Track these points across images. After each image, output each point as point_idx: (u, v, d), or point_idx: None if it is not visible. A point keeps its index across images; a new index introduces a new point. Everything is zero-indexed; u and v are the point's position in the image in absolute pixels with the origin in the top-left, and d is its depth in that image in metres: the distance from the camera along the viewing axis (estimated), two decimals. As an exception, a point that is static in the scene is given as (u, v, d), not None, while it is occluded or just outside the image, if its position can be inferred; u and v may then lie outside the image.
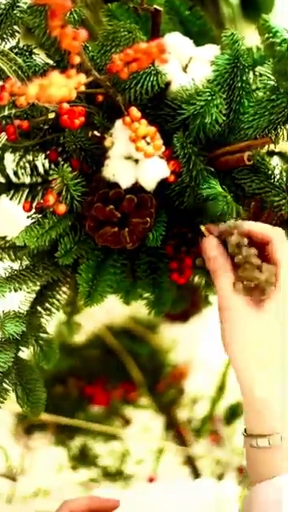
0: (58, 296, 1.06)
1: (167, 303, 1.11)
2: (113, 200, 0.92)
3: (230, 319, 0.92)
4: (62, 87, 0.73)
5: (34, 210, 0.99)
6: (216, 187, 0.93)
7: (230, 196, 0.91)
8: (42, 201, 0.95)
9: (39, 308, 1.04)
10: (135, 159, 0.92)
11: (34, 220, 0.95)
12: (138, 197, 0.93)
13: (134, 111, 0.88)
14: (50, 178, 0.92)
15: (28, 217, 0.98)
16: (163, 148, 0.90)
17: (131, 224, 0.93)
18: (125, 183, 0.92)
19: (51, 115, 0.91)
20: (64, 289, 1.07)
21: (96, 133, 0.92)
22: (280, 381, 0.92)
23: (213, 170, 0.96)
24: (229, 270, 0.92)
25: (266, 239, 0.92)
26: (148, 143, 0.88)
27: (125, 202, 0.92)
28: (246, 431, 0.97)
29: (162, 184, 0.95)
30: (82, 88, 0.79)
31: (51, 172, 0.93)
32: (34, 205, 0.99)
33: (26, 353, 1.04)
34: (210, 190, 0.93)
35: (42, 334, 1.05)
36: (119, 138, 0.91)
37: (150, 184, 0.93)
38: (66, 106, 0.87)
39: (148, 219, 0.93)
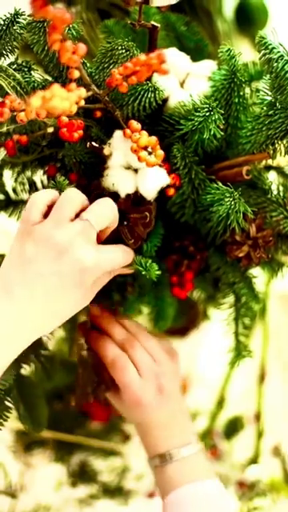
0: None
1: (169, 318, 1.12)
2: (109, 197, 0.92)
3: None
4: (64, 100, 0.74)
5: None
6: (220, 188, 0.93)
7: (236, 192, 0.92)
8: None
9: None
10: (134, 168, 0.92)
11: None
12: (134, 194, 0.93)
13: (134, 123, 0.89)
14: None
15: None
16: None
17: (130, 220, 0.93)
18: (125, 192, 0.92)
19: (50, 129, 0.91)
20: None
21: (94, 143, 0.92)
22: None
23: (214, 177, 0.97)
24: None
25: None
26: (150, 153, 0.89)
27: (121, 199, 0.92)
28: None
29: (161, 198, 0.95)
30: (82, 103, 0.79)
31: (49, 185, 0.93)
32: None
33: (27, 370, 1.04)
34: (211, 195, 0.93)
35: (42, 351, 1.05)
36: (118, 147, 0.92)
37: (150, 193, 0.93)
38: (65, 119, 0.88)
39: (147, 214, 0.93)
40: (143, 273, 0.93)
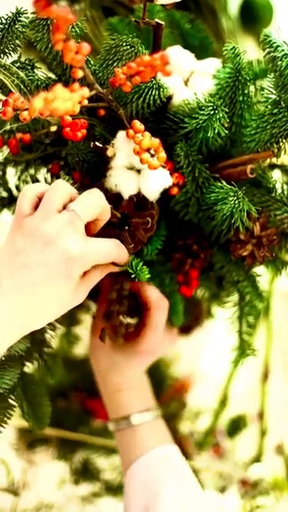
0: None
1: (180, 313, 1.11)
2: (112, 202, 0.92)
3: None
4: (66, 101, 0.74)
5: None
6: (224, 187, 0.93)
7: (241, 191, 0.91)
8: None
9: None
10: (137, 169, 0.92)
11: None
12: (137, 197, 0.92)
13: (137, 124, 0.89)
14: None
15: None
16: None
17: (131, 225, 0.93)
18: (127, 193, 0.92)
19: (53, 128, 0.91)
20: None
21: (98, 143, 0.92)
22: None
23: (218, 176, 0.96)
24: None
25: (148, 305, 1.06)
26: (152, 155, 0.88)
27: (124, 203, 0.92)
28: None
29: (165, 197, 0.95)
30: (85, 102, 0.79)
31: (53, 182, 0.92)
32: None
33: (30, 368, 1.04)
34: (216, 193, 0.93)
35: (45, 349, 1.05)
36: (121, 148, 0.91)
37: (152, 194, 0.93)
38: (68, 118, 0.87)
39: (149, 219, 0.93)
40: (132, 276, 0.94)
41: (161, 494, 1.00)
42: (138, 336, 1.08)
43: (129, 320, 1.06)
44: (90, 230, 0.91)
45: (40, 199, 0.88)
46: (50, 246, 0.83)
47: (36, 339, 1.03)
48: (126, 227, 0.93)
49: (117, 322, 1.06)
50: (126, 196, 0.92)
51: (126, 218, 0.92)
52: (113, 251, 0.91)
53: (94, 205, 0.88)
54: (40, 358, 1.04)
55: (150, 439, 1.08)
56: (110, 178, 0.93)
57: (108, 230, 0.92)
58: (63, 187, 0.88)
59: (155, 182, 0.92)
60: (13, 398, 0.99)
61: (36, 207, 0.88)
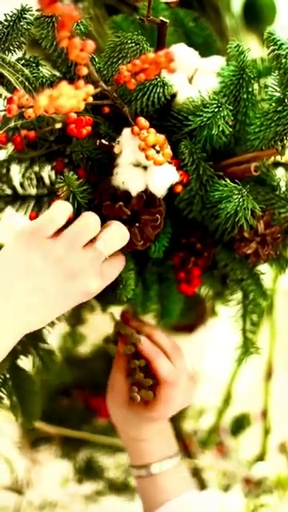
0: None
1: (175, 314, 1.11)
2: (121, 199, 0.92)
3: None
4: (71, 98, 0.74)
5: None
6: (228, 185, 0.93)
7: (245, 189, 0.91)
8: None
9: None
10: (144, 166, 0.92)
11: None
12: (146, 194, 0.92)
13: (142, 120, 0.88)
14: (57, 187, 0.91)
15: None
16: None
17: (141, 221, 0.93)
18: (135, 190, 0.92)
19: (58, 125, 0.91)
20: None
21: (103, 141, 0.92)
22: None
23: (222, 174, 0.96)
24: None
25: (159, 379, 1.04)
26: (158, 151, 0.88)
27: (134, 200, 0.92)
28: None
29: (169, 195, 0.95)
30: (90, 99, 0.79)
31: (58, 180, 0.92)
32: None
33: (26, 363, 1.04)
34: (220, 191, 0.93)
35: (41, 344, 1.05)
36: (127, 145, 0.91)
37: (160, 190, 0.92)
38: (73, 115, 0.87)
39: (158, 216, 0.93)
40: (118, 292, 0.97)
41: None
42: (149, 403, 1.06)
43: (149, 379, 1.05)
44: None
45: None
46: (73, 279, 0.87)
47: (32, 334, 1.03)
48: (136, 224, 0.92)
49: (139, 378, 1.05)
50: (133, 193, 0.92)
51: (135, 214, 0.92)
52: (120, 269, 0.95)
53: (117, 243, 0.91)
54: (36, 353, 1.04)
55: (173, 487, 1.07)
56: (116, 176, 0.92)
57: None
58: (93, 223, 0.89)
59: (162, 178, 0.92)
60: (3, 391, 1.00)
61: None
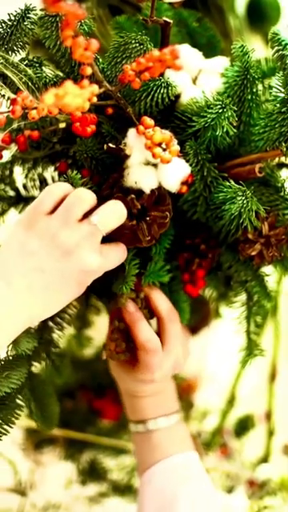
0: (68, 310, 1.05)
1: (185, 312, 1.11)
2: (133, 192, 0.92)
3: None
4: (76, 97, 0.73)
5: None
6: (232, 187, 0.92)
7: (249, 191, 0.91)
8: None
9: (50, 323, 1.04)
10: (154, 164, 0.91)
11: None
12: (158, 191, 0.92)
13: (147, 119, 0.88)
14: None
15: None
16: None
17: (150, 217, 0.92)
18: (148, 188, 0.91)
19: (62, 125, 0.91)
20: (74, 303, 1.06)
21: (111, 145, 0.92)
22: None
23: (226, 175, 0.96)
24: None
25: (158, 315, 1.03)
26: (164, 149, 0.88)
27: (145, 195, 0.91)
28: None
29: (173, 196, 0.95)
30: (94, 99, 0.79)
31: (60, 179, 0.92)
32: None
33: (38, 367, 1.04)
34: (224, 193, 0.93)
35: (53, 349, 1.05)
36: (134, 145, 0.91)
37: (173, 185, 0.92)
38: (78, 113, 0.87)
39: (167, 214, 0.93)
40: (119, 284, 0.97)
41: (177, 502, 0.99)
42: (136, 366, 1.06)
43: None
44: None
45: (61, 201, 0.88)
46: (68, 256, 0.85)
47: (43, 339, 1.03)
48: (147, 218, 0.92)
49: (116, 339, 1.05)
50: (147, 191, 0.91)
51: (144, 210, 0.92)
52: (120, 258, 0.93)
53: (114, 218, 0.90)
54: (48, 357, 1.04)
55: (168, 445, 1.06)
56: (128, 177, 0.92)
57: (126, 222, 0.92)
58: (86, 195, 0.88)
59: (174, 173, 0.91)
60: (20, 398, 0.99)
61: (55, 209, 0.88)
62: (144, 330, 1.01)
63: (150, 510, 1.01)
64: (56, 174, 1.05)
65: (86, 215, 0.88)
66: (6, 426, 0.97)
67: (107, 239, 0.91)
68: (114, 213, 0.90)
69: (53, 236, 0.85)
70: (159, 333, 1.04)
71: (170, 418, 1.08)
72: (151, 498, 1.02)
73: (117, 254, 0.92)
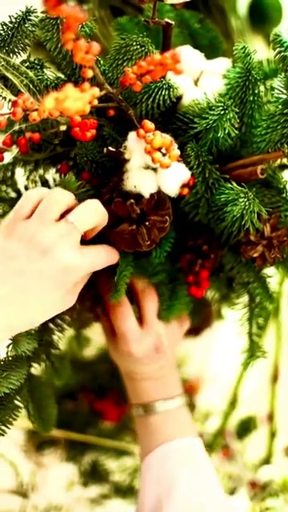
0: (68, 312, 1.05)
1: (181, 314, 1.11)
2: (133, 197, 0.92)
3: None
4: (77, 100, 0.73)
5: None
6: (234, 188, 0.92)
7: (251, 192, 0.91)
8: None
9: (51, 325, 1.04)
10: (153, 168, 0.91)
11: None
12: (157, 195, 0.92)
13: (148, 123, 0.88)
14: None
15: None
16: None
17: (150, 222, 0.92)
18: (147, 192, 0.91)
19: (63, 128, 0.90)
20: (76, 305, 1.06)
21: (111, 148, 0.91)
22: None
23: (228, 177, 0.96)
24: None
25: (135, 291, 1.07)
26: (164, 154, 0.88)
27: (145, 200, 0.91)
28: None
29: (174, 198, 0.94)
30: (95, 102, 0.79)
31: (56, 183, 0.92)
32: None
33: (37, 369, 1.04)
34: (226, 195, 0.92)
35: (53, 350, 1.05)
36: (134, 149, 0.91)
37: (172, 190, 0.92)
38: (77, 118, 0.87)
39: (167, 218, 0.92)
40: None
41: (175, 487, 0.99)
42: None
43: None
44: (87, 235, 0.92)
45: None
46: (46, 256, 0.84)
47: (43, 340, 1.03)
48: (146, 224, 0.92)
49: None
50: (146, 195, 0.91)
51: (144, 215, 0.92)
52: (106, 259, 0.93)
53: (92, 217, 0.89)
54: (47, 359, 1.04)
55: (168, 429, 1.07)
56: (127, 181, 0.92)
57: (125, 226, 0.92)
58: (61, 195, 0.88)
59: (173, 177, 0.91)
60: (19, 399, 0.99)
61: (32, 213, 0.88)
62: (124, 318, 1.05)
63: (150, 494, 1.02)
64: (57, 176, 1.05)
65: (64, 215, 0.88)
66: (3, 427, 0.97)
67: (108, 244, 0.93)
68: (92, 211, 0.89)
69: (30, 237, 0.84)
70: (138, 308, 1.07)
71: (169, 402, 1.09)
72: (150, 483, 1.03)
73: (98, 254, 0.91)
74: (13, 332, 0.86)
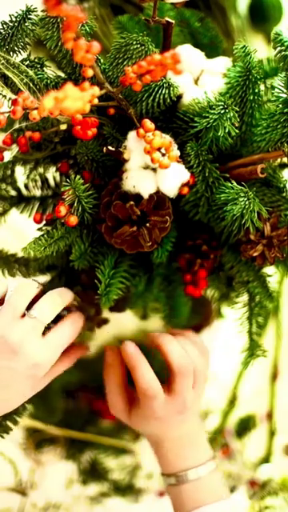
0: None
1: (183, 316, 1.11)
2: (132, 199, 0.92)
3: None
4: (76, 100, 0.73)
5: (44, 222, 0.99)
6: (234, 187, 0.92)
7: (251, 192, 0.91)
8: (53, 212, 0.95)
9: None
10: (153, 168, 0.91)
11: (43, 232, 0.94)
12: (157, 196, 0.92)
13: (148, 123, 0.88)
14: (62, 190, 0.91)
15: (38, 229, 0.99)
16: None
17: (150, 223, 0.92)
18: (146, 193, 0.91)
19: (63, 126, 0.90)
20: (74, 303, 1.06)
21: (110, 147, 0.91)
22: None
23: (228, 176, 0.96)
24: None
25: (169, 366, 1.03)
26: (163, 154, 0.88)
27: (144, 201, 0.91)
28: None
29: (174, 198, 0.94)
30: (95, 101, 0.79)
31: (63, 184, 0.92)
32: (45, 216, 0.99)
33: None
34: (226, 194, 0.92)
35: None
36: (134, 148, 0.91)
37: (171, 190, 0.92)
38: (79, 116, 0.87)
39: (167, 218, 0.92)
40: (102, 300, 0.98)
41: None
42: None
43: None
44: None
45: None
46: (16, 354, 0.88)
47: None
48: (147, 225, 0.92)
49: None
50: (145, 196, 0.91)
51: (144, 215, 0.92)
52: (72, 333, 0.97)
53: (53, 309, 0.94)
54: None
55: (202, 495, 1.04)
56: (126, 180, 0.92)
57: (126, 228, 0.92)
58: (25, 291, 0.93)
59: (173, 178, 0.91)
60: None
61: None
62: (145, 376, 1.02)
63: None
64: (58, 175, 1.05)
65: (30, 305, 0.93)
66: (9, 423, 1.01)
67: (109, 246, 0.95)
68: (51, 303, 0.94)
69: (1, 336, 0.88)
70: (169, 379, 1.05)
71: (201, 468, 1.06)
72: None
73: (62, 334, 0.95)
74: None
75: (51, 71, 0.95)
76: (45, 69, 0.94)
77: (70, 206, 0.91)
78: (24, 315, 0.91)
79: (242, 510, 1.06)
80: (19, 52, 0.92)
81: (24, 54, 0.93)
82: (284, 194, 0.98)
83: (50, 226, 0.95)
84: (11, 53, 0.91)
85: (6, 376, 0.88)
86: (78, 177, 0.90)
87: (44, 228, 0.98)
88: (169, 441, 1.07)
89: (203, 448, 1.09)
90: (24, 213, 1.06)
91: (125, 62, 0.90)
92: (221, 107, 0.90)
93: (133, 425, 1.09)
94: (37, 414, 1.04)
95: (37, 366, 0.89)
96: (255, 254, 0.97)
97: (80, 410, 1.55)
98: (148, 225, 0.92)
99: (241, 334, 1.08)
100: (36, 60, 0.94)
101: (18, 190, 1.07)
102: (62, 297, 0.96)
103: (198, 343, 1.08)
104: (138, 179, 0.91)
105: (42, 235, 0.93)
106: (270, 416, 1.56)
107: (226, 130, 0.91)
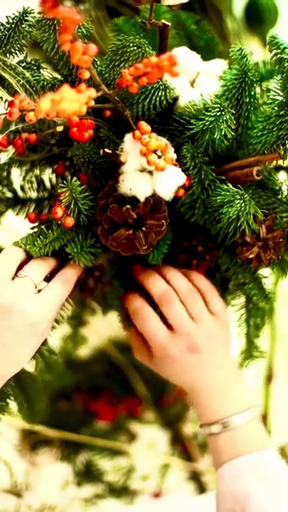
0: (60, 311, 1.05)
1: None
2: (128, 202, 0.92)
3: None
4: (73, 102, 0.73)
5: (38, 222, 1.00)
6: (230, 190, 0.92)
7: (247, 194, 0.91)
8: (49, 214, 0.95)
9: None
10: (149, 170, 0.91)
11: (37, 230, 0.95)
12: (153, 199, 0.92)
13: (144, 125, 0.88)
14: (59, 191, 0.92)
15: (32, 228, 0.99)
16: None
17: (146, 226, 0.92)
18: (142, 195, 0.91)
19: (60, 128, 0.91)
20: (67, 304, 1.06)
21: (107, 150, 0.92)
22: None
23: (224, 178, 0.96)
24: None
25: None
26: (159, 156, 0.88)
27: (141, 204, 0.91)
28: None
29: (170, 200, 0.95)
30: (92, 103, 0.79)
31: (60, 185, 0.92)
32: (40, 216, 0.99)
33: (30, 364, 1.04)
34: (222, 196, 0.92)
35: (43, 346, 1.05)
36: (130, 151, 0.91)
37: (168, 193, 0.92)
38: (75, 118, 0.87)
39: (163, 222, 0.93)
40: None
41: (248, 504, 0.96)
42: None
43: None
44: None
45: None
46: (10, 313, 0.88)
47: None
48: (143, 228, 0.92)
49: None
50: (141, 199, 0.92)
51: (140, 219, 0.92)
52: (65, 290, 0.97)
53: (44, 266, 0.95)
54: (39, 355, 1.04)
55: (241, 444, 1.02)
56: (123, 183, 0.92)
57: (122, 231, 0.92)
58: (12, 253, 0.93)
59: (169, 181, 0.91)
60: (8, 390, 1.01)
61: None
62: (133, 298, 1.06)
63: (223, 509, 0.99)
64: (54, 176, 1.05)
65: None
66: None
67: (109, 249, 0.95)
68: (40, 263, 0.95)
69: None
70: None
71: (245, 413, 1.03)
72: (223, 497, 1.00)
73: (55, 290, 0.95)
74: (4, 379, 0.91)
75: (48, 73, 0.95)
76: (41, 71, 0.94)
77: (66, 207, 0.91)
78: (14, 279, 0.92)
79: (278, 462, 1.02)
80: (16, 54, 0.92)
81: (21, 56, 0.93)
82: (279, 197, 0.98)
83: (45, 226, 0.95)
84: (8, 54, 0.91)
85: (8, 337, 0.88)
86: (74, 178, 0.90)
87: (38, 228, 0.98)
88: (205, 388, 1.05)
89: (240, 395, 1.06)
90: (20, 214, 1.07)
91: (121, 64, 0.90)
92: (217, 109, 0.90)
93: (156, 369, 1.09)
94: (21, 412, 1.04)
95: (33, 323, 0.89)
96: (251, 256, 0.98)
97: (75, 412, 1.56)
98: (144, 228, 0.92)
99: (238, 335, 1.08)
100: (33, 62, 0.94)
101: (13, 191, 1.07)
102: (50, 260, 0.96)
103: (200, 280, 1.08)
104: (135, 182, 0.91)
105: (38, 236, 0.93)
106: (264, 418, 1.56)
107: (222, 133, 0.91)
